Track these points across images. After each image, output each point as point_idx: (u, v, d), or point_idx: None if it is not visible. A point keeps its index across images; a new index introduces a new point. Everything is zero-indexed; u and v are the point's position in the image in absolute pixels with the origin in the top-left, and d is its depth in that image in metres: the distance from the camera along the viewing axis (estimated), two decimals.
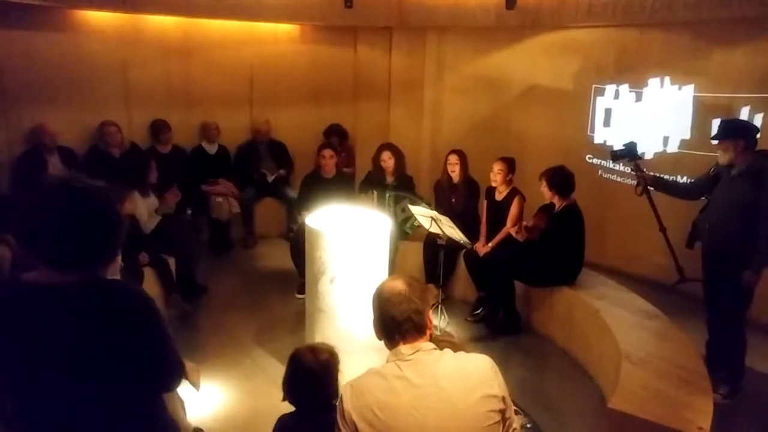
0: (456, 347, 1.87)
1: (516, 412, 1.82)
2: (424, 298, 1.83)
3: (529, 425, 2.63)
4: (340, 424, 1.71)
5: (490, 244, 4.88)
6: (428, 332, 1.83)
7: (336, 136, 6.89)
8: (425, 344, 1.79)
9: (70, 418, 1.55)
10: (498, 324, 4.65)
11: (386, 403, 1.67)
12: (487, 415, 1.69)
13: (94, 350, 1.48)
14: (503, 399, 1.73)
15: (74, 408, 1.53)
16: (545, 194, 4.48)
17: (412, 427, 1.65)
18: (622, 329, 3.77)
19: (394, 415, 1.65)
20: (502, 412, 1.73)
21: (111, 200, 1.59)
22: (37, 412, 1.55)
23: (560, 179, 4.40)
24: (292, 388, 2.26)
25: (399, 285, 1.81)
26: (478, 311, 4.87)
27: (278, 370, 4.00)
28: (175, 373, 1.73)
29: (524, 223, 4.55)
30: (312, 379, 2.21)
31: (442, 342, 1.89)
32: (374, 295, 1.88)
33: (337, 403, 1.75)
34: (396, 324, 1.77)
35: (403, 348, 1.77)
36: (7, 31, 5.27)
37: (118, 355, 1.50)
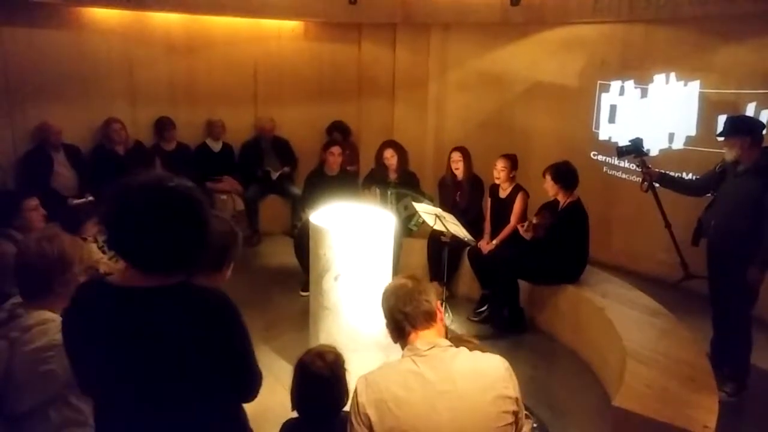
0: (478, 349, 1.86)
1: (526, 416, 1.82)
2: (430, 289, 1.86)
3: (535, 425, 2.62)
4: (353, 419, 1.70)
5: (494, 242, 4.86)
6: (439, 320, 1.83)
7: (338, 132, 6.88)
8: (441, 340, 1.78)
9: (150, 427, 1.49)
10: (503, 322, 4.64)
11: (400, 397, 1.67)
12: (500, 416, 1.69)
13: (179, 357, 1.41)
14: (516, 401, 1.73)
15: (155, 416, 1.47)
16: (549, 190, 4.47)
17: (426, 424, 1.64)
18: (626, 327, 3.76)
19: (407, 410, 1.65)
20: (515, 413, 1.73)
21: (204, 201, 1.51)
22: (116, 419, 1.51)
23: (565, 172, 4.39)
24: (305, 399, 2.18)
25: (403, 280, 1.88)
26: (482, 309, 4.87)
27: (283, 368, 4.04)
28: (257, 383, 1.70)
29: (533, 221, 4.52)
30: (325, 386, 2.15)
31: (463, 342, 1.88)
32: (382, 296, 1.90)
33: (351, 397, 1.74)
34: (404, 314, 1.79)
35: (418, 342, 1.77)
36: (13, 28, 5.29)
37: (203, 363, 1.44)
